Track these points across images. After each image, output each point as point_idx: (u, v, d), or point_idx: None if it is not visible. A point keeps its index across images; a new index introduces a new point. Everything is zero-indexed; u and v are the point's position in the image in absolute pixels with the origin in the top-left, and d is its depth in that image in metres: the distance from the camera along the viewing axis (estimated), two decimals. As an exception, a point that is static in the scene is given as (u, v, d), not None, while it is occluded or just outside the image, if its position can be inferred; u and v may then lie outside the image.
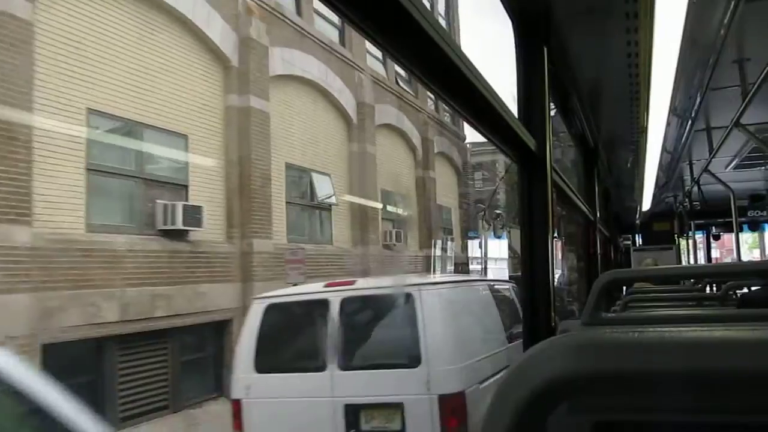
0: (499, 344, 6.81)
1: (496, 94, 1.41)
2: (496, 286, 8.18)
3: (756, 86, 3.73)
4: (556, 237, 2.27)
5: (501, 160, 41.65)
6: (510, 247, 34.03)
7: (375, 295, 6.15)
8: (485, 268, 29.47)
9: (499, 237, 28.27)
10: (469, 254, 29.72)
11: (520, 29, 2.06)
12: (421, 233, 21.59)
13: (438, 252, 22.45)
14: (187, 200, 11.03)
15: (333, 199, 16.00)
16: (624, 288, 4.67)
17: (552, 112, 2.41)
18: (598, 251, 5.23)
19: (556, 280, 2.41)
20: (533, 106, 2.06)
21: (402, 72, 20.18)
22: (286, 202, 14.13)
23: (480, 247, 30.02)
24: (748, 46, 3.45)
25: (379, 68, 19.27)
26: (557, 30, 2.30)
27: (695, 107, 4.46)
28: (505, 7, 1.98)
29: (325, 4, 0.82)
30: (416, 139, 21.53)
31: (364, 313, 6.14)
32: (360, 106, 17.58)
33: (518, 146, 1.83)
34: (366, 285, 6.27)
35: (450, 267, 24.87)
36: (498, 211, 32.49)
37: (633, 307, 3.15)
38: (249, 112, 12.38)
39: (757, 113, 4.40)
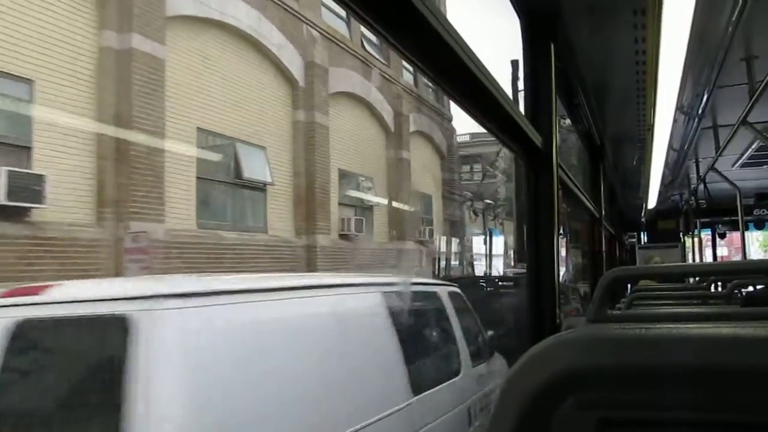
0: (438, 376, 4.47)
1: (504, 91, 1.41)
2: (420, 292, 4.97)
3: (763, 84, 3.72)
4: (561, 234, 2.26)
5: (503, 153, 41.21)
6: (505, 243, 33.46)
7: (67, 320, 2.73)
8: (471, 263, 27.95)
9: (489, 231, 27.23)
10: (453, 248, 28.63)
11: (528, 26, 2.06)
12: (392, 222, 18.87)
13: (410, 245, 19.98)
14: (29, 167, 8.22)
15: (267, 177, 13.34)
16: (628, 286, 4.66)
17: (558, 109, 2.41)
18: (604, 249, 5.22)
19: (561, 277, 2.40)
20: (540, 103, 2.06)
21: (372, 37, 17.35)
22: (197, 177, 11.39)
23: (466, 242, 28.84)
24: (756, 43, 3.44)
25: (340, 27, 16.30)
26: (565, 27, 2.30)
27: (702, 105, 4.45)
28: (513, 5, 1.98)
29: (336, 2, 0.83)
30: (387, 114, 18.57)
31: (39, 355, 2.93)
32: (309, 66, 14.69)
33: (525, 143, 1.83)
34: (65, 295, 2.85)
35: (419, 265, 22.12)
36: (488, 201, 31.45)
37: (637, 305, 3.14)
38: (131, 55, 9.63)
39: (764, 111, 4.38)
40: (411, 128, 20.13)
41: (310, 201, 14.48)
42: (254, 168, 12.96)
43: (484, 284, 11.00)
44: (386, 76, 18.64)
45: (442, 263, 21.95)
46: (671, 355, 0.61)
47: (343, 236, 15.82)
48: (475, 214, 28.82)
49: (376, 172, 18.31)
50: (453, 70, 1.15)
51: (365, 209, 17.71)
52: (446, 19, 1.00)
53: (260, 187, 13.31)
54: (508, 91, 1.86)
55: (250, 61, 13.12)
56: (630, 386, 0.63)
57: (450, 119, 25.13)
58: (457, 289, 5.53)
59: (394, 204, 18.86)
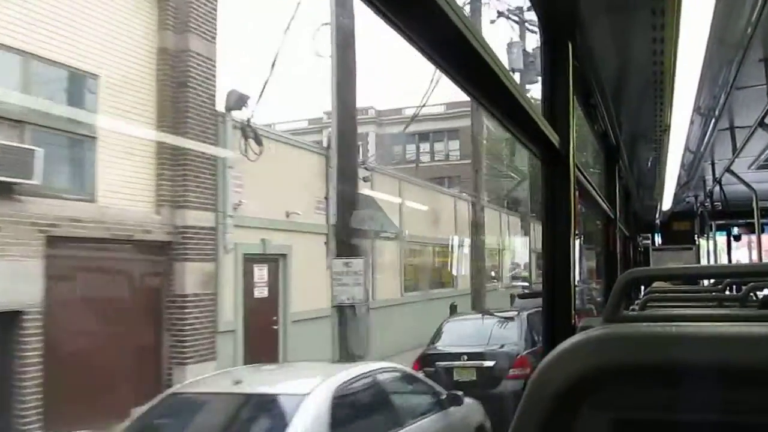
0: None
1: (522, 90, 1.40)
2: None
3: None
4: (577, 235, 2.26)
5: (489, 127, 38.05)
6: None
7: None
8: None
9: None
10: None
11: (547, 26, 2.05)
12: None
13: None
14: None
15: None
16: (642, 287, 4.64)
17: (575, 109, 2.40)
18: (618, 250, 5.20)
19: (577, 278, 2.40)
20: (558, 103, 2.06)
21: None
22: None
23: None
24: None
25: None
26: (583, 27, 2.29)
27: (719, 106, 4.42)
28: (532, 4, 1.98)
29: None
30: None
31: None
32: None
33: (542, 143, 1.82)
34: None
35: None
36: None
37: (652, 306, 3.13)
38: None
39: None
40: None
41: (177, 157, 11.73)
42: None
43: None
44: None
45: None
46: (696, 352, 0.61)
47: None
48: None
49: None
50: (473, 68, 1.15)
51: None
52: (465, 16, 1.00)
53: (87, 134, 10.42)
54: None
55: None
56: (652, 384, 0.63)
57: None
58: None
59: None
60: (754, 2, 2.68)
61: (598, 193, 3.59)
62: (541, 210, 2.15)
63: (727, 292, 3.55)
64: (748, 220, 9.94)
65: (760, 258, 9.17)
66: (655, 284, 4.35)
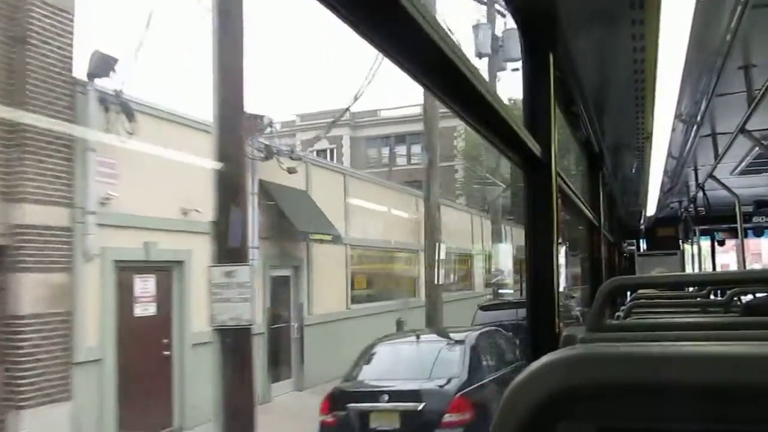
0: None
1: (501, 100, 1.40)
2: None
3: (762, 93, 3.73)
4: (560, 242, 2.27)
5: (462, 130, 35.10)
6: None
7: None
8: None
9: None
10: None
11: (527, 35, 2.06)
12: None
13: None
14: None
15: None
16: (627, 293, 4.66)
17: (557, 118, 2.41)
18: (603, 256, 5.21)
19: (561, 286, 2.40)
20: (539, 112, 2.06)
21: None
22: None
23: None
24: (755, 52, 3.45)
25: None
26: (564, 36, 2.30)
27: (701, 113, 4.46)
28: (512, 14, 1.99)
29: (321, 3, 0.81)
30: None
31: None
32: None
33: (523, 152, 1.83)
34: None
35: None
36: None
37: (636, 313, 3.14)
38: None
39: (762, 119, 4.40)
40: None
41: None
42: None
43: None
44: None
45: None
46: (670, 373, 0.61)
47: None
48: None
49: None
50: (448, 78, 1.14)
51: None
52: (438, 23, 0.98)
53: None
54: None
55: None
56: (630, 402, 0.63)
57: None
58: None
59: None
60: (732, 10, 2.71)
61: (581, 201, 3.60)
62: (523, 218, 2.16)
63: (712, 297, 3.58)
64: (731, 225, 10.03)
65: (744, 261, 9.25)
66: (640, 291, 4.38)
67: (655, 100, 3.35)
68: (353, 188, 19.14)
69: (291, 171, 14.46)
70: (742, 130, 4.57)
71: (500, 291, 23.87)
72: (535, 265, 2.09)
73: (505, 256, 28.81)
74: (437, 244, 17.33)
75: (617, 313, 3.53)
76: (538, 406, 0.63)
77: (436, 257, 17.26)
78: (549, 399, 0.63)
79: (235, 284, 8.81)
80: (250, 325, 8.97)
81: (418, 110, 37.59)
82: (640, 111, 3.74)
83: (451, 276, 25.41)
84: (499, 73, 20.09)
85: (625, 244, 11.94)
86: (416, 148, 39.77)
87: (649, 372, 0.62)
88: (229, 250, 8.85)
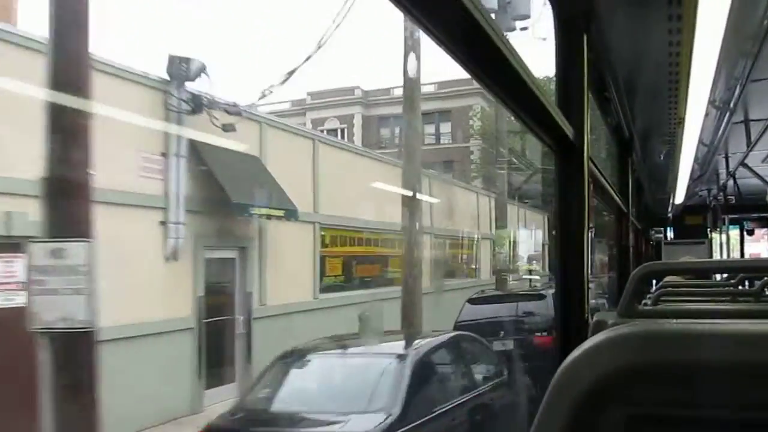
0: None
1: (537, 80, 1.38)
2: None
3: None
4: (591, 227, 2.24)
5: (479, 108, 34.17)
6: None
7: None
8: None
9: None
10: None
11: (561, 18, 2.03)
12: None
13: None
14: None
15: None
16: (654, 282, 4.62)
17: (589, 102, 2.38)
18: (630, 244, 5.16)
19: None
20: (572, 94, 2.04)
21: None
22: None
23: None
24: None
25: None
26: (598, 18, 2.26)
27: (734, 99, 4.38)
28: None
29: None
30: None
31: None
32: None
33: (555, 134, 1.80)
34: None
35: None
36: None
37: (665, 301, 3.11)
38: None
39: None
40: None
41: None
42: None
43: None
44: None
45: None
46: (728, 350, 0.60)
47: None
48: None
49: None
50: (487, 58, 1.13)
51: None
52: (481, 4, 0.98)
53: None
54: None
55: None
56: (681, 382, 0.62)
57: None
58: None
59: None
60: None
61: (611, 186, 3.56)
62: (554, 203, 2.13)
63: (741, 287, 3.53)
64: (762, 214, 9.89)
65: None
66: (667, 278, 4.34)
67: (688, 85, 3.29)
68: (325, 157, 16.04)
69: (227, 129, 11.73)
70: None
71: (504, 279, 21.61)
72: (566, 250, 2.07)
73: (521, 241, 27.30)
74: (416, 224, 13.99)
75: (644, 301, 3.49)
76: (591, 387, 0.62)
77: (414, 239, 13.93)
78: (605, 379, 0.61)
79: (64, 268, 6.12)
80: (89, 328, 6.19)
81: (433, 88, 36.37)
82: (673, 96, 3.68)
83: (451, 262, 23.51)
84: (507, 34, 19.02)
85: (653, 232, 11.81)
86: (430, 128, 38.12)
87: (717, 350, 0.60)
88: (60, 218, 6.25)
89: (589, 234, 2.17)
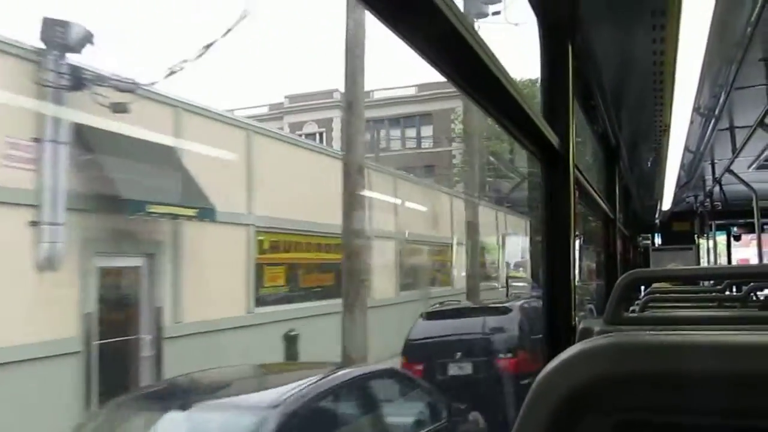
0: None
1: (520, 89, 1.39)
2: None
3: None
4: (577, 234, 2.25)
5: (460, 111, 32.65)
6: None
7: None
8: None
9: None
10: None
11: (545, 24, 2.03)
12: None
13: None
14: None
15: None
16: (642, 288, 4.64)
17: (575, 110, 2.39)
18: (618, 250, 5.18)
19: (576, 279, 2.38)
20: (557, 103, 2.04)
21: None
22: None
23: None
24: None
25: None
26: (583, 27, 2.28)
27: (719, 106, 4.41)
28: (530, 4, 1.96)
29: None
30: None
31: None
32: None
33: (541, 143, 1.81)
34: None
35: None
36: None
37: (652, 307, 3.12)
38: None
39: None
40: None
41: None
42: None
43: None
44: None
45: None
46: (699, 360, 0.60)
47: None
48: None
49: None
50: (469, 67, 1.13)
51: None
52: (461, 11, 0.98)
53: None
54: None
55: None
56: (654, 392, 0.62)
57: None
58: None
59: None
60: (754, 1, 2.67)
61: (597, 194, 3.58)
62: (540, 210, 2.14)
63: (727, 293, 3.55)
64: (748, 220, 9.94)
65: (761, 257, 9.19)
66: (655, 284, 4.36)
67: (673, 92, 3.31)
68: (265, 150, 13.96)
69: (118, 109, 9.58)
70: (761, 123, 4.51)
71: (476, 288, 19.69)
72: (552, 256, 2.08)
73: (501, 247, 26.30)
74: (360, 224, 12.02)
75: (631, 308, 3.50)
76: (568, 396, 0.62)
77: (354, 242, 11.85)
78: (581, 387, 0.62)
79: None
80: None
81: (414, 91, 35.90)
82: (659, 103, 3.71)
83: (422, 270, 21.49)
84: (478, 21, 16.86)
85: (640, 238, 11.86)
86: (411, 132, 37.61)
87: (692, 360, 0.61)
88: None
89: (576, 241, 2.18)
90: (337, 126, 37.92)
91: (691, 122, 4.34)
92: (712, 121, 4.83)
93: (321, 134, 38.14)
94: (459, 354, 9.55)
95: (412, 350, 9.76)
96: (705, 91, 3.81)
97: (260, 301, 13.47)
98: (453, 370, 9.32)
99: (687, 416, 0.65)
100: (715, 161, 7.29)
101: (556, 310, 2.08)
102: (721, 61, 3.44)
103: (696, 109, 4.08)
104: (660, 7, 2.31)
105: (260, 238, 13.65)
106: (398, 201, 19.29)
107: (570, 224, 2.06)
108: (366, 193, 13.10)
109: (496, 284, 23.55)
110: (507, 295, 17.92)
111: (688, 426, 0.66)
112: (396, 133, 38.30)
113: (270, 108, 38.87)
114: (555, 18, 2.04)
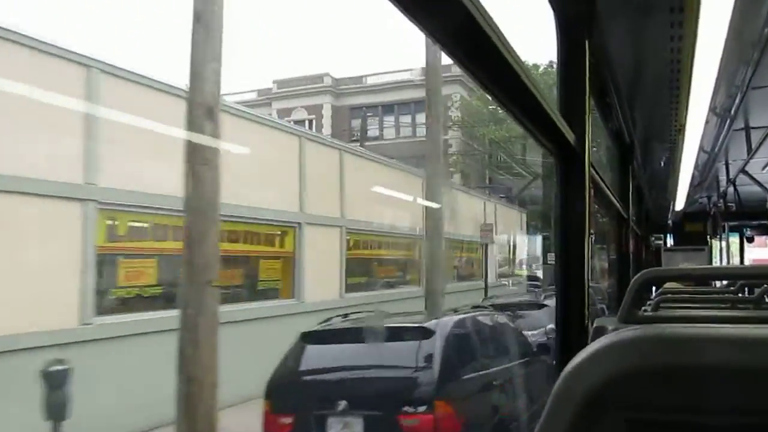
0: None
1: (539, 85, 1.38)
2: None
3: None
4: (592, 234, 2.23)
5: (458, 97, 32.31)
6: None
7: None
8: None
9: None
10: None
11: (563, 22, 2.02)
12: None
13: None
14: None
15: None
16: (654, 288, 4.62)
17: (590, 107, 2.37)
18: (630, 250, 5.16)
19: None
20: (573, 100, 2.03)
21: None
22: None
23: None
24: None
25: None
26: (600, 24, 2.26)
27: (735, 106, 4.38)
28: (549, 1, 1.95)
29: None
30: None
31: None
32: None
33: (557, 140, 1.80)
34: None
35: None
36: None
37: (665, 307, 3.10)
38: None
39: None
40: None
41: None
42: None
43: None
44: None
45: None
46: (732, 354, 0.60)
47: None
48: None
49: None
50: (489, 62, 1.13)
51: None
52: (482, 6, 0.97)
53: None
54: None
55: None
56: (688, 384, 0.62)
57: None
58: None
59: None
60: None
61: (611, 192, 3.56)
62: (554, 208, 2.13)
63: (740, 295, 3.53)
64: (762, 221, 9.88)
65: None
66: (666, 285, 4.34)
67: (690, 92, 3.29)
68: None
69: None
70: None
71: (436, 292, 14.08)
72: (566, 254, 2.07)
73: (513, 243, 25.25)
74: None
75: (644, 307, 3.49)
76: (594, 391, 0.61)
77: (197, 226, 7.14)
78: (610, 381, 0.61)
79: None
80: None
81: (408, 75, 33.53)
82: (674, 103, 3.68)
83: (376, 266, 18.23)
84: None
85: (652, 239, 11.80)
86: (406, 119, 35.22)
87: (725, 353, 0.60)
88: None
89: (590, 240, 2.17)
90: (327, 112, 36.77)
91: (707, 122, 4.31)
92: (728, 121, 4.80)
93: (310, 121, 36.10)
94: (344, 403, 5.95)
95: (280, 394, 6.44)
96: (721, 91, 3.79)
97: (106, 308, 8.90)
98: (333, 426, 6.00)
99: (712, 413, 0.64)
100: (730, 162, 7.24)
101: (569, 309, 2.07)
102: (739, 61, 3.41)
103: (712, 109, 4.05)
104: (678, 5, 2.30)
105: (109, 221, 9.17)
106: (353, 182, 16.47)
107: (585, 223, 2.05)
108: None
109: (480, 283, 21.79)
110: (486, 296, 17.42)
111: (713, 424, 0.66)
112: (390, 120, 36.13)
113: (258, 94, 37.31)
114: (572, 14, 2.03)
